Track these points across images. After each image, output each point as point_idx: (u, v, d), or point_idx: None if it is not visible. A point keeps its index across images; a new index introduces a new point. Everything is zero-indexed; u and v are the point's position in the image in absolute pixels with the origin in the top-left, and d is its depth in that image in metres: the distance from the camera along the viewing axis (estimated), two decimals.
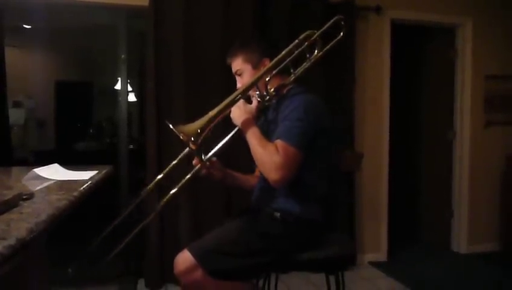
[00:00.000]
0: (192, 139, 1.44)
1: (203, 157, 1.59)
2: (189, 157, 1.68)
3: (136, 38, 3.81)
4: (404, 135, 4.25)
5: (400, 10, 3.46)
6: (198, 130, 1.45)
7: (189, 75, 2.88)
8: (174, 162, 1.72)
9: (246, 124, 1.57)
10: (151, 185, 1.76)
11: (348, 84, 3.25)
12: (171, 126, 1.42)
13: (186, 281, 1.53)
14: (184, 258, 1.52)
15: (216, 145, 1.65)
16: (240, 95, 1.57)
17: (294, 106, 1.57)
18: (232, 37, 2.80)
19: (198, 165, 1.60)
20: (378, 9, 3.34)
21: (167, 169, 1.72)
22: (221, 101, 1.55)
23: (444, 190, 3.86)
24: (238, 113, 1.59)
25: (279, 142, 1.50)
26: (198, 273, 1.49)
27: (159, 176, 1.73)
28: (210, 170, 1.68)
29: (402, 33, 3.58)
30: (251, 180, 1.87)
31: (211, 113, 1.50)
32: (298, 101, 1.59)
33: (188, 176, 1.60)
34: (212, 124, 1.48)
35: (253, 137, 1.55)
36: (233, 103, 1.56)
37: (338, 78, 3.18)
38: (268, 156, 1.49)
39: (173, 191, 1.60)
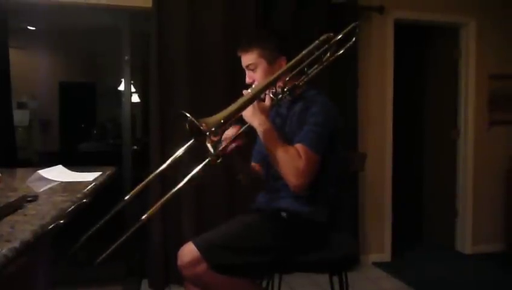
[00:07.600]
0: (213, 130, 1.32)
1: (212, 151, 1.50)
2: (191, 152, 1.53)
3: (140, 39, 3.82)
4: (408, 135, 4.24)
5: (403, 10, 3.44)
6: (222, 120, 1.34)
7: (193, 76, 2.88)
8: (168, 161, 1.54)
9: (264, 125, 1.53)
10: (139, 187, 1.56)
11: (351, 85, 3.24)
12: (188, 116, 1.30)
13: (187, 274, 1.52)
14: (188, 251, 1.51)
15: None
16: (258, 93, 1.50)
17: (315, 110, 1.59)
18: (235, 38, 2.81)
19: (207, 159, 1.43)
20: (381, 10, 3.32)
21: (158, 170, 1.55)
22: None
23: (448, 189, 3.84)
24: (252, 111, 1.53)
25: (301, 147, 1.51)
26: (201, 268, 1.48)
27: (147, 179, 1.57)
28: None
29: (405, 33, 3.57)
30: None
31: (231, 108, 1.40)
32: (318, 104, 1.61)
33: (193, 172, 1.48)
34: (232, 120, 1.41)
35: (273, 140, 1.52)
36: (252, 100, 1.49)
37: (341, 79, 3.17)
38: (290, 161, 1.49)
39: (179, 185, 1.43)
